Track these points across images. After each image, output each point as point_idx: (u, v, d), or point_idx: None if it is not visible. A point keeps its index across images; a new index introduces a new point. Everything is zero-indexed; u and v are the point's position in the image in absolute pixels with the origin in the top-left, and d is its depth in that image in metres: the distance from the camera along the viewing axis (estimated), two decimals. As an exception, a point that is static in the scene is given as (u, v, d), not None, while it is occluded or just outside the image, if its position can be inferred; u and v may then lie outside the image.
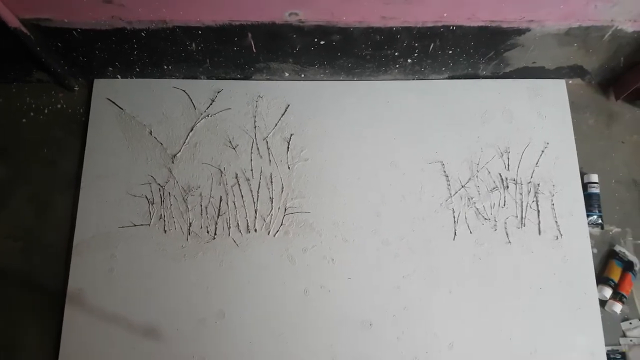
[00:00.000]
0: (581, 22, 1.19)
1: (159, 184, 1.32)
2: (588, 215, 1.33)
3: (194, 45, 1.25)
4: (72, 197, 1.32)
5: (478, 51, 1.29)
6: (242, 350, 1.21)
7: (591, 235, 1.32)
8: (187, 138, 1.36)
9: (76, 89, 1.42)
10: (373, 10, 1.11)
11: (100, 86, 1.40)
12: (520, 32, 1.21)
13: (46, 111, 1.40)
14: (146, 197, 1.31)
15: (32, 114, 1.40)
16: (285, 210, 1.32)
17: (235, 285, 1.26)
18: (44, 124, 1.39)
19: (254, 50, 1.27)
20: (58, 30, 1.19)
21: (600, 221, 1.33)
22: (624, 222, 1.35)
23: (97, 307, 1.23)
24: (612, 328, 1.26)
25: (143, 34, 1.21)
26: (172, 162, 1.34)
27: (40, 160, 1.36)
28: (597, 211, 1.33)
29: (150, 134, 1.36)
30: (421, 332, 1.23)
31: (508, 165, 1.36)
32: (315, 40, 1.23)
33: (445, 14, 1.13)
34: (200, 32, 1.20)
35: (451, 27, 1.18)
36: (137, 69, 1.36)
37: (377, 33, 1.20)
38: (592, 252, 1.31)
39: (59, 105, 1.41)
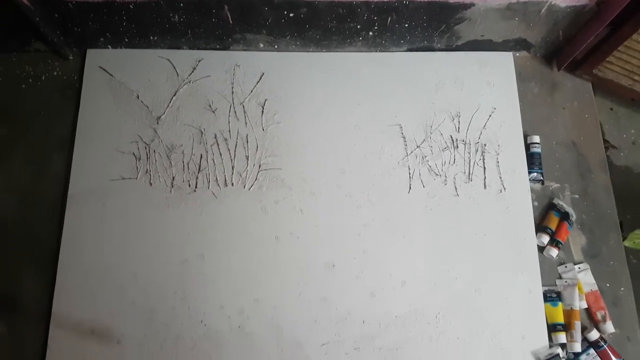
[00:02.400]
0: (518, -3, 1.35)
1: (145, 143, 1.47)
2: (530, 172, 1.48)
3: (176, 17, 1.40)
4: (67, 154, 1.46)
5: (431, 25, 1.45)
6: (219, 287, 1.36)
7: (533, 190, 1.48)
8: (170, 102, 1.51)
9: (71, 58, 1.57)
10: (333, -15, 1.27)
11: (93, 55, 1.55)
12: (465, 6, 1.37)
13: (43, 78, 1.55)
14: (134, 154, 1.46)
15: (30, 80, 1.55)
16: (260, 167, 1.47)
17: (214, 232, 1.41)
18: (41, 89, 1.54)
19: (231, 22, 1.42)
20: (55, 1, 1.33)
21: (541, 177, 1.49)
22: (563, 178, 1.51)
23: (90, 251, 1.38)
24: (549, 271, 1.42)
25: (131, 6, 1.35)
26: (157, 123, 1.49)
27: (37, 122, 1.50)
28: (538, 169, 1.49)
29: (138, 98, 1.51)
30: (377, 272, 1.38)
31: (458, 128, 1.51)
32: (285, 12, 1.38)
33: (397, -11, 1.29)
34: (182, 4, 1.35)
35: (404, 2, 1.34)
36: (126, 40, 1.51)
37: (339, 7, 1.36)
38: (533, 204, 1.46)
39: (55, 73, 1.56)
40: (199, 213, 1.42)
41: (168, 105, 1.51)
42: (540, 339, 1.33)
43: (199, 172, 1.46)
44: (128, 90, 1.52)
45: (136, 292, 1.35)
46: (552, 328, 1.34)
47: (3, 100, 1.53)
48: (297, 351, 1.31)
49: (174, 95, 1.51)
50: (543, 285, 1.38)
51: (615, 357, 1.31)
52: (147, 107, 1.50)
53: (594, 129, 1.56)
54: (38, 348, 1.30)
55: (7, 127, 1.50)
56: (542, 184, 1.50)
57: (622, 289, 1.40)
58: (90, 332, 1.32)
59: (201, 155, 1.47)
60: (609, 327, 1.35)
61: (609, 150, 1.62)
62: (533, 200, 1.47)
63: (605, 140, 1.60)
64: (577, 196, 1.49)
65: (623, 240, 1.47)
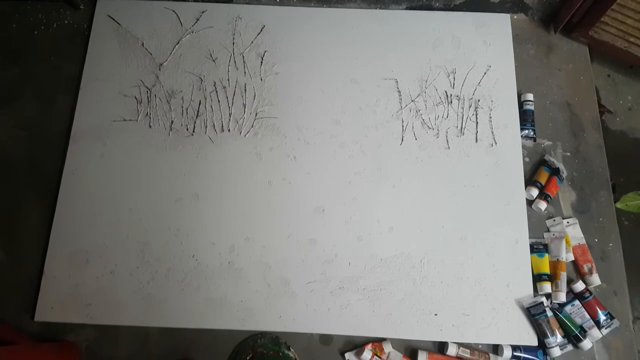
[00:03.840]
0: (514, -48, 1.37)
1: (147, 87, 1.53)
2: (523, 129, 1.50)
3: (182, -35, 1.46)
4: (73, 96, 1.52)
5: (429, -20, 1.49)
6: (211, 224, 1.39)
7: (524, 147, 1.49)
8: (173, 50, 1.56)
9: (82, 7, 1.63)
10: None
11: (102, 5, 1.62)
12: (461, -41, 1.40)
13: (55, 25, 1.62)
14: (135, 98, 1.52)
15: (42, 27, 1.62)
16: (256, 115, 1.51)
17: (209, 174, 1.45)
18: (52, 35, 1.61)
19: (234, -28, 1.48)
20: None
21: (533, 135, 1.50)
22: (555, 136, 1.51)
23: (89, 185, 1.43)
24: (537, 225, 1.42)
25: (139, -47, 1.42)
26: (159, 69, 1.54)
27: (47, 65, 1.57)
28: (530, 126, 1.50)
29: (142, 45, 1.57)
30: (366, 218, 1.40)
31: (453, 84, 1.54)
32: (286, -37, 1.43)
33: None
34: (187, -48, 1.41)
35: (401, -47, 1.38)
36: (134, -10, 1.58)
37: (338, -43, 1.40)
38: (525, 161, 1.47)
39: (66, 21, 1.63)
40: (195, 156, 1.47)
41: (171, 53, 1.56)
42: (524, 288, 1.33)
43: (197, 117, 1.51)
44: (134, 38, 1.58)
45: (131, 226, 1.39)
46: (538, 278, 1.34)
47: (16, 45, 1.60)
48: (284, 287, 1.34)
49: (177, 44, 1.57)
50: (530, 238, 1.39)
51: (601, 309, 1.31)
52: (151, 54, 1.56)
53: (589, 91, 1.57)
54: (34, 275, 1.35)
55: (18, 69, 1.57)
56: (534, 141, 1.51)
57: (611, 244, 1.40)
58: (85, 262, 1.36)
59: (200, 101, 1.52)
60: (595, 279, 1.35)
61: (605, 115, 1.63)
62: (524, 157, 1.48)
63: (601, 105, 1.61)
64: (568, 154, 1.49)
65: (615, 203, 1.47)
